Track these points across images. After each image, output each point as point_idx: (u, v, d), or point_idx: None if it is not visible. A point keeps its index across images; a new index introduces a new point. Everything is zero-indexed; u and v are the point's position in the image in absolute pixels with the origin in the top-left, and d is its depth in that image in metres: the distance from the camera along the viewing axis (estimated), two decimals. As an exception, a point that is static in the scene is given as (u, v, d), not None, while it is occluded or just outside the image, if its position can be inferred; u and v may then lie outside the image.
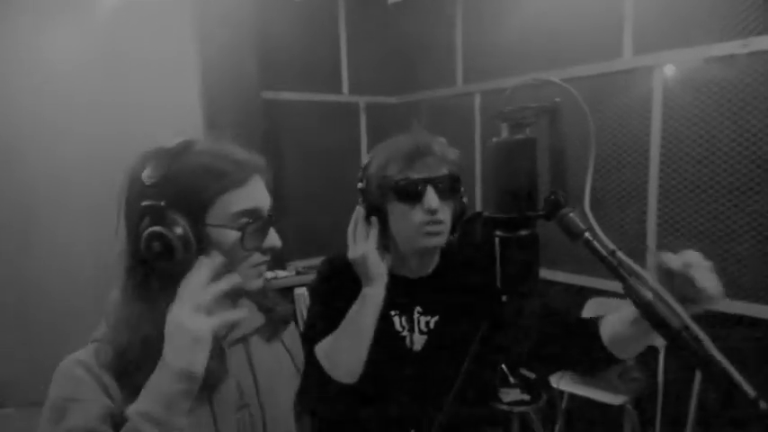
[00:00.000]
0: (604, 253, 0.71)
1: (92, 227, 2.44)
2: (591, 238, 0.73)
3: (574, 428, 2.82)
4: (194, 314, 0.73)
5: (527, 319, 1.04)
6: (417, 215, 1.12)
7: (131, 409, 0.71)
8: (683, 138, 2.43)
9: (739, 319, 2.28)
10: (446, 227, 1.15)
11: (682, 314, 0.64)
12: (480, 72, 3.31)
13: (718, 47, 2.27)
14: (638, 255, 2.54)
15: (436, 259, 1.26)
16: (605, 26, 2.66)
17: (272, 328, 0.99)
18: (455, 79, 3.46)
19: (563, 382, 2.51)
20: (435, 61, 3.59)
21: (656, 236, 2.54)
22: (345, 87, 3.66)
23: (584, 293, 2.79)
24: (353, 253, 1.17)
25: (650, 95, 2.51)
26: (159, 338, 0.74)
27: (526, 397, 2.59)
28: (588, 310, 2.76)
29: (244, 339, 0.93)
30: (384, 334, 1.17)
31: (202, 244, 0.79)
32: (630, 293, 0.68)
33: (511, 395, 2.61)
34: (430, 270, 1.25)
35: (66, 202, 2.66)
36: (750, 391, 0.57)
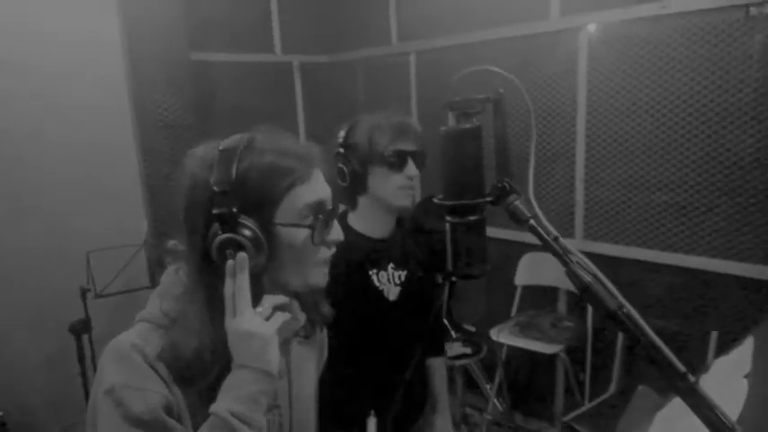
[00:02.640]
0: (548, 239, 0.75)
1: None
2: (536, 225, 0.77)
3: (513, 377, 3.01)
4: (257, 320, 0.77)
5: (473, 295, 1.10)
6: (398, 180, 1.36)
7: (218, 407, 0.74)
8: (608, 96, 2.54)
9: (656, 267, 2.47)
10: (415, 191, 1.41)
11: (617, 295, 0.70)
12: (415, 31, 3.29)
13: (639, 8, 2.36)
14: (568, 209, 2.69)
15: (394, 223, 1.47)
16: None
17: (311, 327, 1.00)
18: (390, 38, 3.42)
19: (502, 335, 2.67)
20: (369, 18, 3.52)
21: (583, 188, 2.68)
22: (278, 47, 3.54)
23: (521, 248, 2.92)
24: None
25: (576, 56, 2.60)
26: (225, 344, 0.77)
27: (468, 350, 2.74)
28: (524, 264, 2.91)
29: (287, 341, 0.94)
30: (366, 290, 1.42)
31: (273, 244, 0.80)
32: (571, 277, 0.74)
33: (454, 349, 2.75)
34: (388, 233, 1.46)
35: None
36: (680, 366, 0.64)
